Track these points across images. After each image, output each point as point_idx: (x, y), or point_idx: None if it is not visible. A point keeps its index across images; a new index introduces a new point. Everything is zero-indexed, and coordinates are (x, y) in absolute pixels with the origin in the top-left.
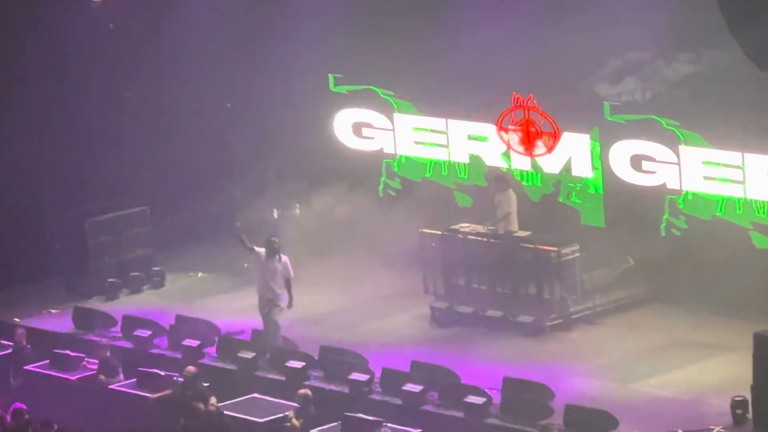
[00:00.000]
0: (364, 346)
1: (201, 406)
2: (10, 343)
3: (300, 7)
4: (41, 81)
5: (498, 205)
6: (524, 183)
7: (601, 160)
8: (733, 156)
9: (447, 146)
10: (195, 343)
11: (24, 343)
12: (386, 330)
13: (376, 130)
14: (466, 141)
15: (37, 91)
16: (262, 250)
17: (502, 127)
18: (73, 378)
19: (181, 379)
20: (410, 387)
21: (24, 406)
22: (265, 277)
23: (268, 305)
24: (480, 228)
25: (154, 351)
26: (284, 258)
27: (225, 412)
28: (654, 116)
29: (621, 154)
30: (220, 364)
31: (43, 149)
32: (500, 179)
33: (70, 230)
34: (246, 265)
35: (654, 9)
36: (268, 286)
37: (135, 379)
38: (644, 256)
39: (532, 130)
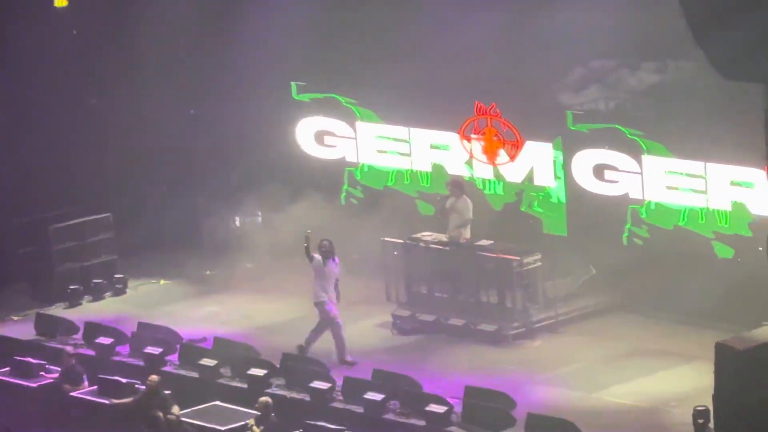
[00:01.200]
0: (326, 354)
1: (161, 414)
2: None
3: (264, 15)
4: (3, 87)
5: (454, 211)
6: (486, 192)
7: (563, 169)
8: (695, 166)
9: (409, 155)
10: (157, 350)
11: None
12: (348, 338)
13: (338, 138)
14: (428, 150)
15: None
16: (318, 257)
17: (464, 136)
18: (35, 385)
19: (143, 387)
20: (372, 395)
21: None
22: (322, 281)
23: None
24: (442, 236)
25: (116, 358)
26: (337, 260)
27: (187, 419)
28: (617, 126)
29: (584, 163)
30: (181, 372)
31: (6, 155)
32: (456, 185)
33: (33, 237)
34: (208, 272)
35: (618, 17)
36: (326, 290)
37: (96, 387)
38: (607, 266)
39: (495, 138)
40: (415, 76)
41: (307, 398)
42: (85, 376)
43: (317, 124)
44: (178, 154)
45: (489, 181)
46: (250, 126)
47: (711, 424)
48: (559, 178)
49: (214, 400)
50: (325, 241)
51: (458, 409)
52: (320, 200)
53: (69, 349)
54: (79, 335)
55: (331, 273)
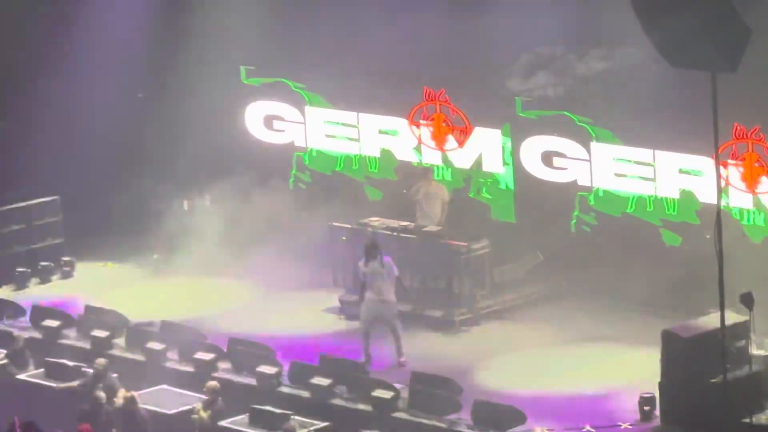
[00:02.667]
0: (272, 339)
1: (103, 395)
2: None
3: None
4: None
5: (435, 195)
6: (435, 178)
7: (512, 155)
8: (644, 153)
9: (358, 140)
10: (104, 333)
11: None
12: (295, 322)
13: (287, 122)
14: (377, 135)
15: None
16: (361, 261)
17: (413, 122)
18: None
19: (90, 370)
20: (319, 380)
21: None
22: (374, 282)
23: (382, 310)
24: (390, 222)
25: (63, 341)
26: (387, 259)
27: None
28: (566, 112)
29: (532, 150)
30: (128, 355)
31: None
32: (429, 171)
33: None
34: (155, 256)
35: (566, 3)
36: (379, 290)
37: (43, 370)
38: (554, 252)
39: (444, 124)
40: (365, 61)
41: (254, 382)
42: (31, 360)
43: (266, 108)
44: (127, 137)
45: (438, 166)
46: (200, 109)
47: (657, 411)
48: (508, 164)
49: (161, 384)
50: (368, 242)
51: (405, 394)
52: (269, 185)
53: (18, 332)
54: (26, 318)
55: (380, 274)
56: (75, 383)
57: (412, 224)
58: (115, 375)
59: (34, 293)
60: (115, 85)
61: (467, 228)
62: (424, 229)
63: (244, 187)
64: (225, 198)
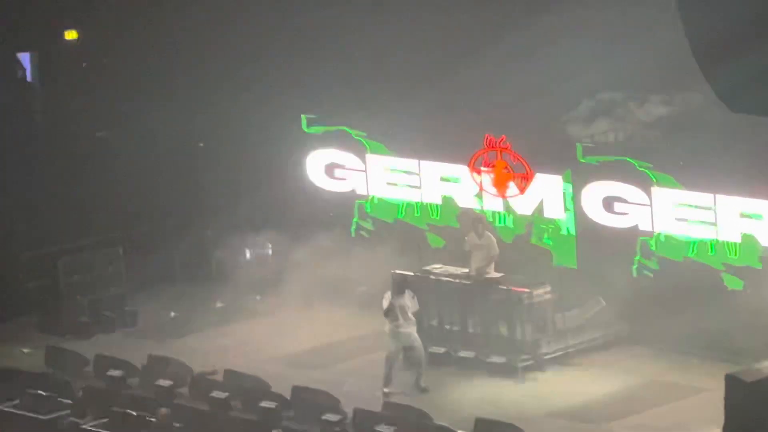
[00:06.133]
0: (336, 386)
1: None
2: None
3: (273, 46)
4: (13, 119)
5: (481, 247)
6: (497, 224)
7: (573, 201)
8: (705, 198)
9: (419, 187)
10: (167, 382)
11: None
12: (359, 370)
13: (348, 170)
14: (438, 182)
15: (11, 129)
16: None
17: (474, 168)
18: (45, 417)
19: (153, 420)
20: (383, 428)
21: None
22: (401, 313)
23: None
24: (452, 269)
25: (127, 391)
26: (409, 293)
27: None
28: (627, 158)
29: (593, 195)
30: (192, 404)
31: (16, 187)
32: (480, 220)
33: (43, 269)
34: (218, 304)
35: (626, 50)
36: (406, 320)
37: (107, 419)
38: (616, 298)
39: (505, 171)
40: (425, 109)
41: (318, 431)
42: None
43: (327, 156)
44: (188, 186)
45: (499, 213)
46: (260, 158)
47: None
48: (569, 210)
49: None
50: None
51: None
52: (331, 233)
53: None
54: (89, 367)
55: (406, 306)
56: None
57: (473, 271)
58: (178, 425)
59: (98, 343)
60: (176, 135)
61: (529, 274)
62: (486, 276)
63: (306, 236)
64: (287, 246)
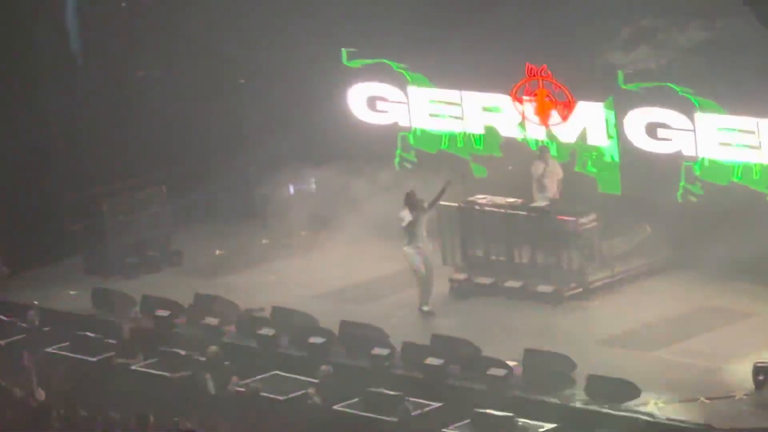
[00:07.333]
0: (384, 320)
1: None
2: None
3: None
4: (53, 61)
5: (548, 175)
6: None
7: (616, 128)
8: (748, 122)
9: (461, 118)
10: (214, 321)
11: (37, 323)
12: (406, 303)
13: (390, 103)
14: (480, 112)
15: (50, 76)
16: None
17: (516, 98)
18: (94, 359)
19: (202, 359)
20: (431, 360)
21: None
22: (419, 230)
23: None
24: (497, 199)
25: (174, 330)
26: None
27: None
28: (668, 83)
29: (636, 122)
30: (240, 342)
31: (58, 130)
32: (545, 149)
33: (87, 211)
34: (264, 241)
35: None
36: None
37: (156, 360)
38: (662, 224)
39: (547, 100)
40: (466, 38)
41: (367, 365)
42: (140, 350)
43: (369, 89)
44: (230, 124)
45: (542, 142)
46: (302, 93)
47: None
48: (612, 137)
49: (273, 370)
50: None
51: (518, 372)
52: (374, 166)
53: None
54: (136, 308)
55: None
56: (187, 373)
57: (519, 201)
58: (227, 363)
59: (144, 283)
60: (216, 72)
61: (574, 202)
62: (532, 204)
63: (349, 169)
64: (330, 181)
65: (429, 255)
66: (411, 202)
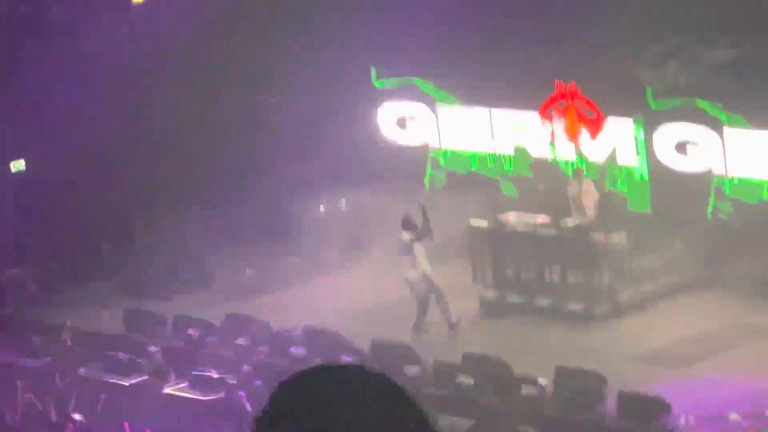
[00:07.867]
0: (415, 339)
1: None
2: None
3: (342, 1)
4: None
5: (584, 195)
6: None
7: (645, 145)
8: None
9: (492, 137)
10: (246, 341)
11: (70, 343)
12: (436, 322)
13: (420, 123)
14: (510, 132)
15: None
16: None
17: (545, 116)
18: (127, 384)
19: (234, 382)
20: (463, 379)
21: None
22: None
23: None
24: (527, 217)
25: (206, 350)
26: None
27: None
28: (697, 99)
29: (665, 139)
30: (272, 362)
31: (94, 153)
32: (578, 171)
33: (120, 231)
34: (296, 260)
35: None
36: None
37: (187, 383)
38: (692, 241)
39: (576, 118)
40: (495, 57)
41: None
42: (171, 370)
43: (399, 109)
44: (260, 142)
45: (573, 163)
46: (332, 112)
47: None
48: (641, 155)
49: None
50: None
51: (549, 389)
52: (404, 185)
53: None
54: (168, 328)
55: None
56: (221, 395)
57: (548, 220)
58: (258, 382)
59: (176, 303)
60: (247, 91)
61: (604, 221)
62: (561, 223)
63: (379, 189)
64: (360, 200)
65: (431, 275)
66: (408, 225)
